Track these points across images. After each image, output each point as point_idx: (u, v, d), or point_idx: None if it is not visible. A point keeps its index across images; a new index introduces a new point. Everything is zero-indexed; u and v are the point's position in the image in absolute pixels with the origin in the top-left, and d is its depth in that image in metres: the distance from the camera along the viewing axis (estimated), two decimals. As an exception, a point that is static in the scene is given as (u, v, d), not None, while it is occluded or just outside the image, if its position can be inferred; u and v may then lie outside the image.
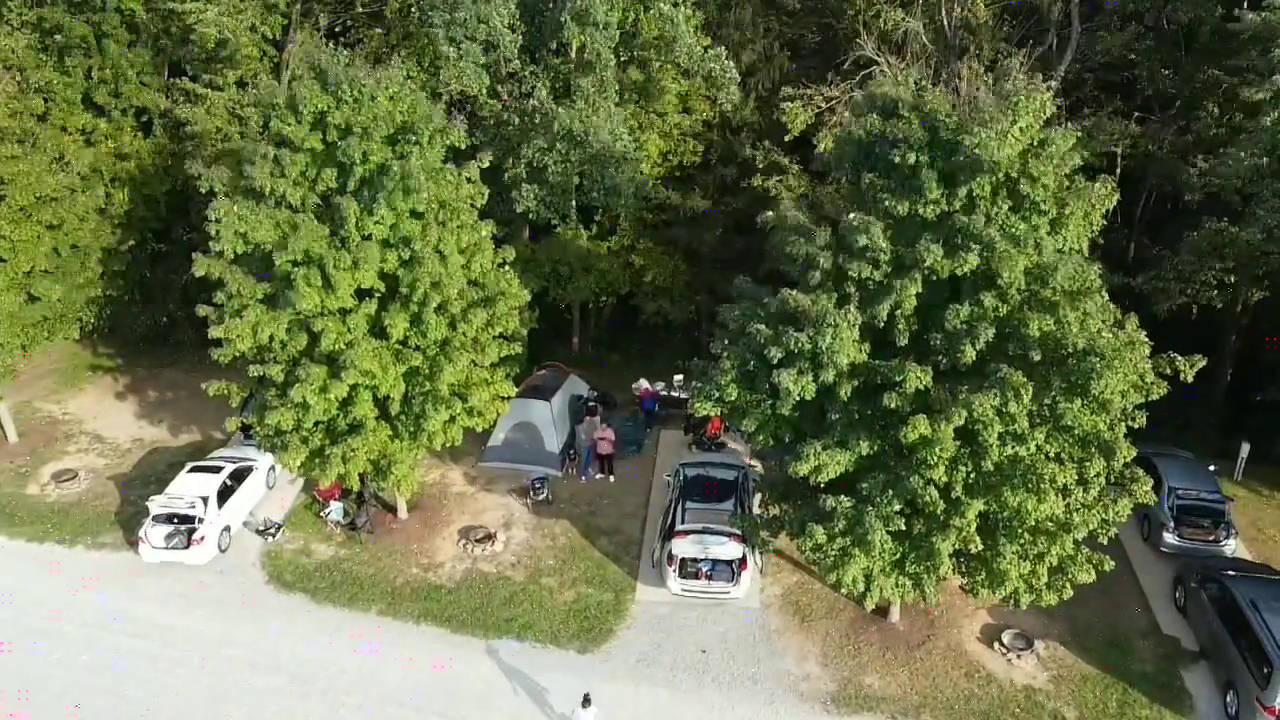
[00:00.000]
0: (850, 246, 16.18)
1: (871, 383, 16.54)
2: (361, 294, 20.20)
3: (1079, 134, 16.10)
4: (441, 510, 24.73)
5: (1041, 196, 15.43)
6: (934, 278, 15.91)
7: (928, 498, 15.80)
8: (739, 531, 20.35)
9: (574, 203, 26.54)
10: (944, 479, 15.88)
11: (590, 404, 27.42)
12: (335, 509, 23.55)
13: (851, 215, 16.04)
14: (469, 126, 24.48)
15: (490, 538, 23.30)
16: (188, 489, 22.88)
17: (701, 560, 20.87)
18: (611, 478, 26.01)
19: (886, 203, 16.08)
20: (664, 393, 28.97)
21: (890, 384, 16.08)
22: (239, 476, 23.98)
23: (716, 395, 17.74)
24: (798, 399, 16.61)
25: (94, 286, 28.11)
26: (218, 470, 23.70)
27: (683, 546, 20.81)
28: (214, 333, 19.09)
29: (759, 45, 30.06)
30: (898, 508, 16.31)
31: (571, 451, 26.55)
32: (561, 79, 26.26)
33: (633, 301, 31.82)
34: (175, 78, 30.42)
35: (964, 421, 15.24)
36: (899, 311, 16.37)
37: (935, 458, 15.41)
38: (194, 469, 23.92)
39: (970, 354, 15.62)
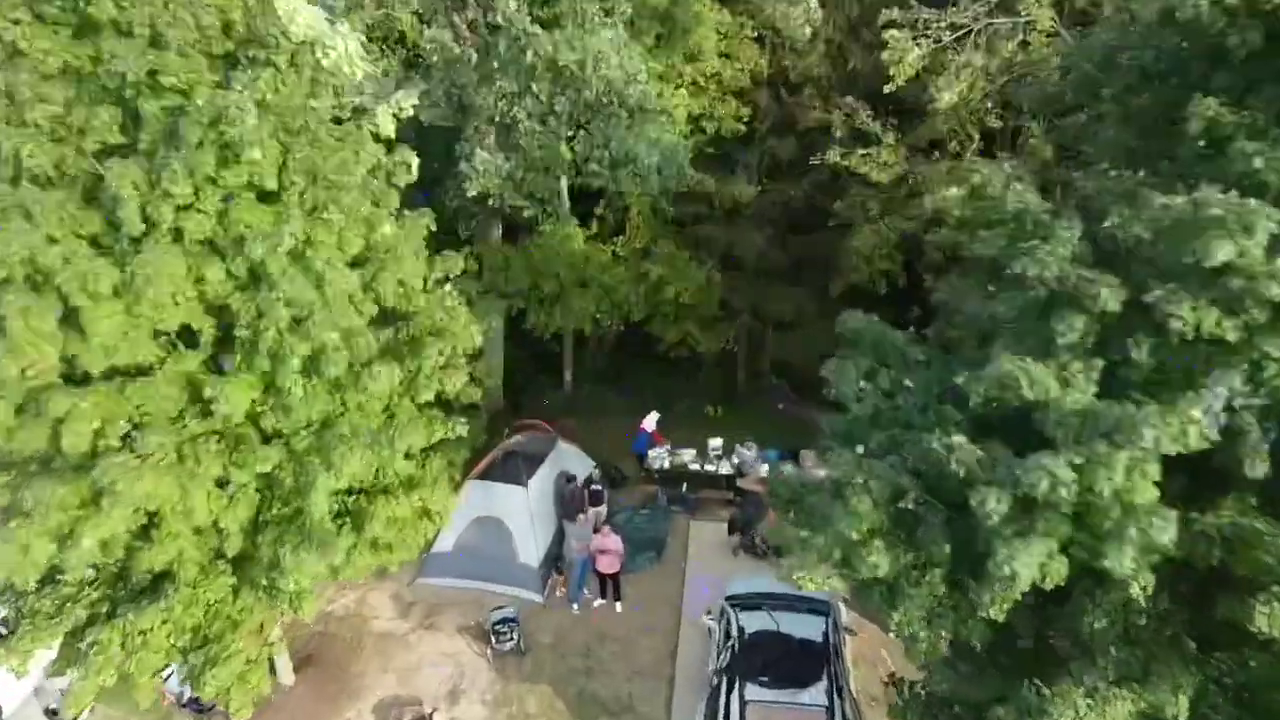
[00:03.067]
0: (1168, 264, 7.16)
1: (1201, 564, 7.54)
2: (189, 337, 11.35)
3: None
4: (351, 666, 15.74)
5: None
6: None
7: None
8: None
9: (563, 183, 17.55)
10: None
11: (592, 488, 18.38)
12: (177, 675, 14.52)
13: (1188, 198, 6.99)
14: (404, 71, 15.72)
15: (422, 724, 14.37)
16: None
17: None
18: (618, 605, 17.02)
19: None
20: (693, 466, 19.93)
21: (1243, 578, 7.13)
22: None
23: (836, 561, 8.70)
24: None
25: None
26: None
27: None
28: None
29: (829, -31, 21.20)
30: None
31: (559, 564, 17.60)
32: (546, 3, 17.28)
33: (648, 327, 22.80)
34: None
35: None
36: (1251, 406, 7.37)
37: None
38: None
39: None
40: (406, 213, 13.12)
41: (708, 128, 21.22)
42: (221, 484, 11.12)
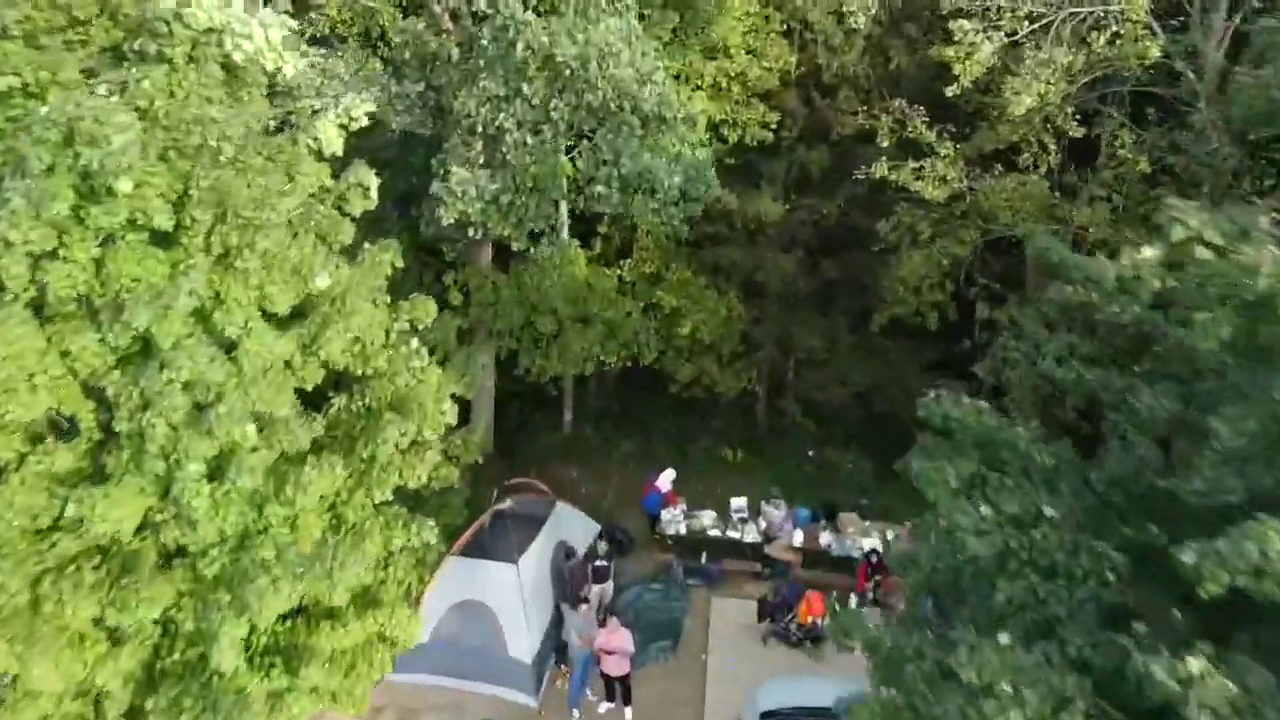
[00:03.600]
0: None
1: None
2: (69, 424, 8.54)
3: None
4: (302, 796, 12.90)
5: None
6: None
7: None
8: None
9: (562, 209, 14.67)
10: None
11: (595, 564, 15.52)
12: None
13: None
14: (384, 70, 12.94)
15: None
16: None
17: None
18: (628, 712, 14.17)
19: None
20: (713, 531, 17.08)
21: None
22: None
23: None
24: None
25: None
26: None
27: None
28: None
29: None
30: None
31: (558, 660, 14.78)
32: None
33: (658, 363, 19.91)
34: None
35: None
36: None
37: None
38: None
39: None
40: (366, 245, 10.33)
41: (729, 136, 18.34)
42: (100, 622, 8.30)
